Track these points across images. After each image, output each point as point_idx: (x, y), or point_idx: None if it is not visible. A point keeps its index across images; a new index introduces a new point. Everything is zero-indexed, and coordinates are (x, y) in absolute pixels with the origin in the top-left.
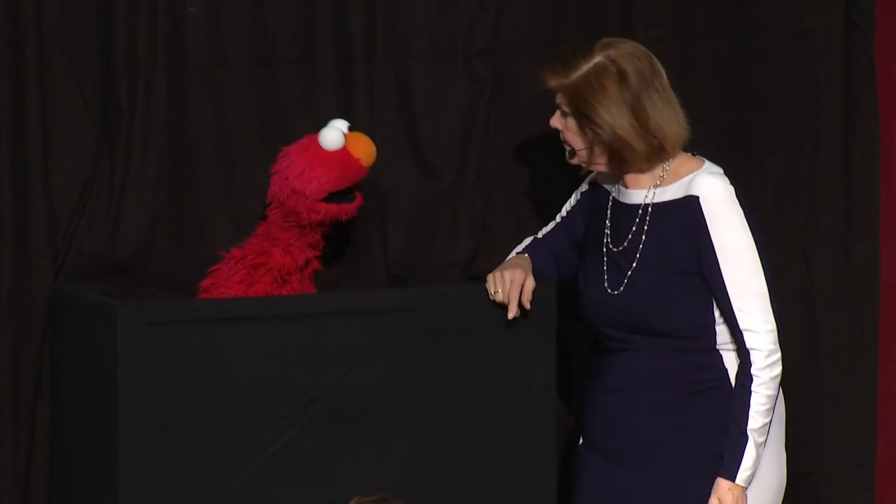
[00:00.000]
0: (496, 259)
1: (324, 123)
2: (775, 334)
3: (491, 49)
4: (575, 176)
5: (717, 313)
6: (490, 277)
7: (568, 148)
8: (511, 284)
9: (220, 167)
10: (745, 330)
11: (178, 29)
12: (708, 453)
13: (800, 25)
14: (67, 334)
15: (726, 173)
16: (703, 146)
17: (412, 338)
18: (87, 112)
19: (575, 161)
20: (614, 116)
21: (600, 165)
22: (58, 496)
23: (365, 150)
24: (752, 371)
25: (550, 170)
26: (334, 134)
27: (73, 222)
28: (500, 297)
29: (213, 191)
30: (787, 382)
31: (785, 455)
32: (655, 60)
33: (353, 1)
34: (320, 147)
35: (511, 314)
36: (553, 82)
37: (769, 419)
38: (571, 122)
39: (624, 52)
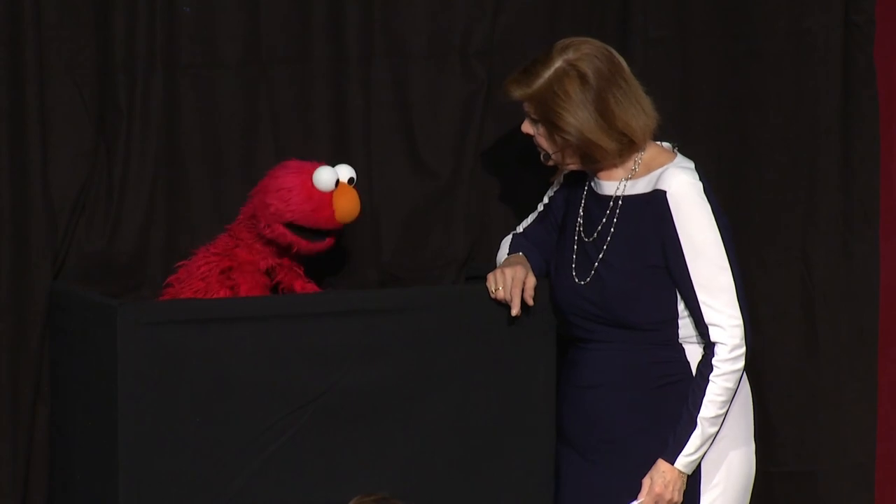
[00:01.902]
0: (492, 259)
1: (321, 124)
2: (742, 329)
3: (488, 49)
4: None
5: (680, 307)
6: (491, 276)
7: (542, 152)
8: (512, 281)
9: (217, 167)
10: (711, 325)
11: (176, 29)
12: None
13: (799, 25)
14: (67, 334)
15: (726, 173)
16: (704, 146)
17: (411, 338)
18: (85, 112)
19: (551, 163)
20: (580, 120)
21: (574, 166)
22: (58, 496)
23: (344, 206)
24: (713, 361)
25: (546, 169)
26: (328, 177)
27: (72, 222)
28: (501, 295)
29: (211, 191)
30: (787, 381)
31: (754, 446)
32: (616, 56)
33: (350, 0)
34: (311, 179)
35: (514, 311)
36: (517, 93)
37: (724, 411)
38: (541, 128)
39: (583, 54)
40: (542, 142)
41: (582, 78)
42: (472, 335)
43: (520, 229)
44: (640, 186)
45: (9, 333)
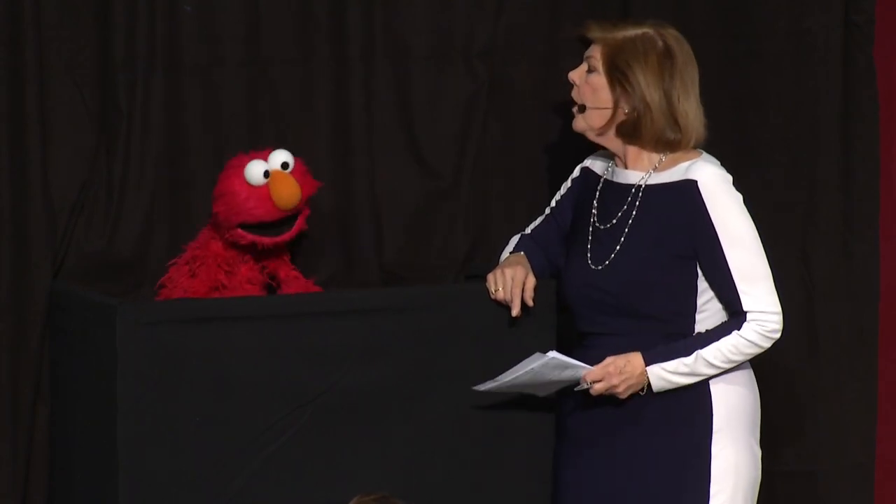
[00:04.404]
0: (493, 258)
1: (322, 124)
2: (781, 317)
3: (489, 49)
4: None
5: (700, 301)
6: (490, 276)
7: (577, 105)
8: (512, 282)
9: (218, 167)
10: (749, 311)
11: (176, 29)
12: (691, 442)
13: (799, 25)
14: (67, 334)
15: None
16: (704, 146)
17: (411, 337)
18: (85, 112)
19: (580, 125)
20: (649, 85)
21: (608, 136)
22: (58, 496)
23: (280, 194)
24: (745, 325)
25: (548, 170)
26: (256, 170)
27: (72, 222)
28: (501, 296)
29: (211, 191)
30: (787, 381)
31: (759, 451)
32: (694, 59)
33: (351, 0)
34: (244, 176)
35: (514, 312)
36: (596, 33)
37: (723, 367)
38: (597, 79)
39: (673, 35)
40: (590, 93)
41: (667, 52)
42: (472, 335)
43: (528, 230)
44: (666, 177)
45: (9, 333)
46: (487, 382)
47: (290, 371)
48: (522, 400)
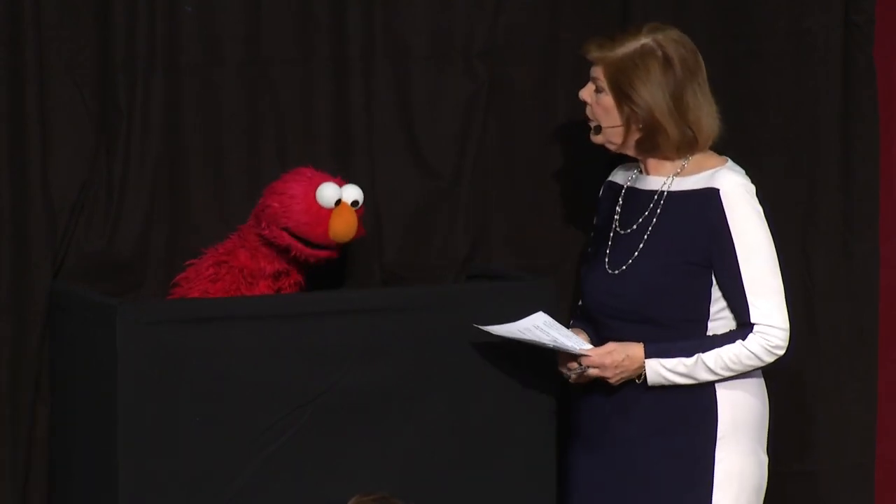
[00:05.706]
0: (493, 258)
1: (322, 124)
2: (788, 334)
3: (489, 48)
4: (577, 174)
5: (713, 308)
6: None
7: (594, 124)
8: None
9: (218, 167)
10: (756, 324)
11: (176, 29)
12: (694, 447)
13: (799, 25)
14: (67, 334)
15: None
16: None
17: (411, 337)
18: (85, 112)
19: (599, 139)
20: (655, 99)
21: (628, 147)
22: (58, 496)
23: (338, 226)
24: (750, 336)
25: (547, 170)
26: (330, 193)
27: (72, 222)
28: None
29: (211, 191)
30: (787, 382)
31: (766, 458)
32: (699, 55)
33: (351, 0)
34: (314, 192)
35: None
36: (595, 54)
37: (721, 374)
38: (606, 99)
39: (671, 39)
40: (601, 112)
41: (667, 61)
42: (471, 335)
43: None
44: (689, 184)
45: (8, 333)
46: (488, 326)
47: (290, 371)
48: (522, 400)
